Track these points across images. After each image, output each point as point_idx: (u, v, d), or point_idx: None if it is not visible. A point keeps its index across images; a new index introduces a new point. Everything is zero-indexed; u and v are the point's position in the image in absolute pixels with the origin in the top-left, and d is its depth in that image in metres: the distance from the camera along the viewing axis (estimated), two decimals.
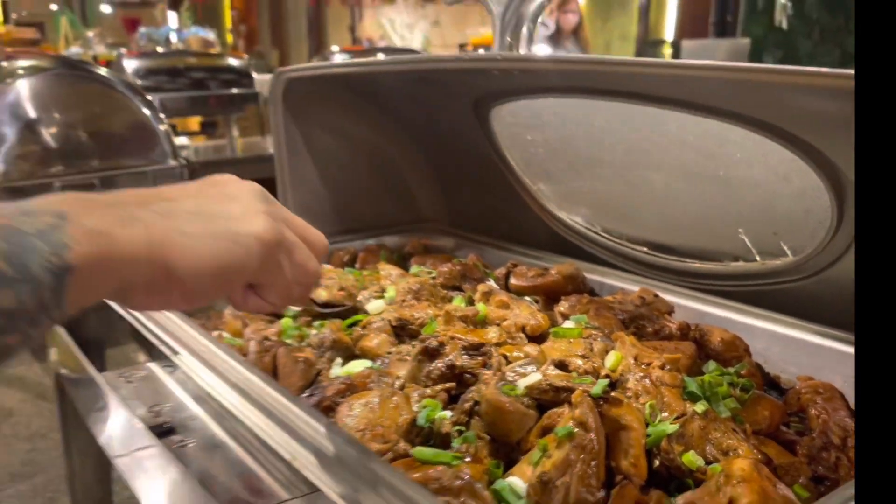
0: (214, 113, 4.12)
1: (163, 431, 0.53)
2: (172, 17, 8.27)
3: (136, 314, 0.68)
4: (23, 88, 1.39)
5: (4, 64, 1.42)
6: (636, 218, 0.77)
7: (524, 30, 0.60)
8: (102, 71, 1.57)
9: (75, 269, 0.35)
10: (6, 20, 9.07)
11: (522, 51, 0.61)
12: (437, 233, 0.95)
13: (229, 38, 10.34)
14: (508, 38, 0.61)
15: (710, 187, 0.67)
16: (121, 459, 0.55)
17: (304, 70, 0.82)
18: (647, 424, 0.47)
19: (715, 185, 0.67)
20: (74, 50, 6.97)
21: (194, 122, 4.28)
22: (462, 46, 8.92)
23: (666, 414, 0.47)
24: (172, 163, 1.55)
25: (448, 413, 0.51)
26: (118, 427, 0.54)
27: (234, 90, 4.00)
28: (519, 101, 0.70)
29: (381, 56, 4.61)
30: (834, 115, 0.47)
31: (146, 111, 1.57)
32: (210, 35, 7.14)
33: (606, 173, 0.76)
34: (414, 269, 0.77)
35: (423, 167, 0.96)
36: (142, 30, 7.03)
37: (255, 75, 4.10)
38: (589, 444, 0.44)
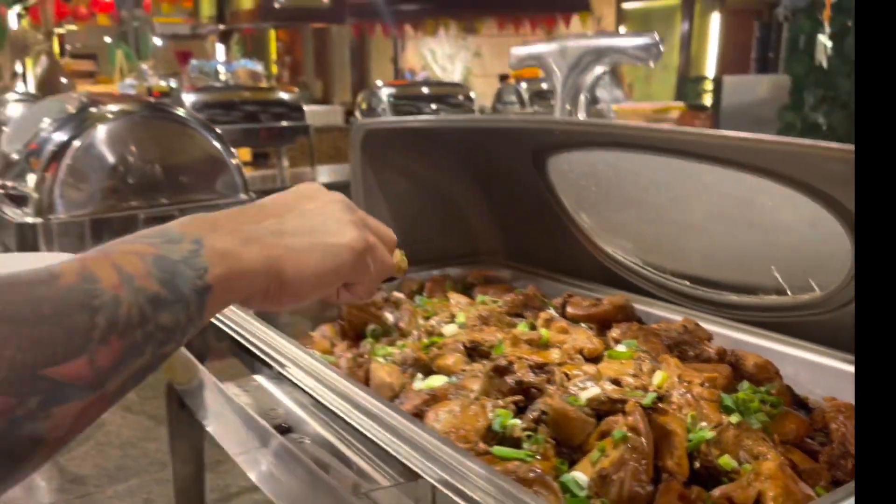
0: (266, 144, 4.33)
1: (283, 431, 0.64)
2: (221, 50, 8.59)
3: (245, 334, 0.80)
4: (112, 130, 1.54)
5: (94, 110, 1.58)
6: (679, 254, 0.86)
7: (581, 97, 0.71)
8: (181, 112, 1.72)
9: (213, 288, 0.43)
10: (62, 53, 9.48)
11: (580, 115, 0.72)
12: (496, 265, 1.06)
13: (274, 69, 10.65)
14: (568, 106, 0.72)
15: (746, 229, 0.77)
16: (244, 456, 0.66)
17: (381, 123, 0.94)
18: (689, 431, 0.56)
19: (749, 227, 0.76)
20: (129, 81, 7.30)
21: (246, 153, 4.49)
22: (503, 77, 9.10)
23: (705, 423, 0.57)
24: (243, 196, 1.69)
25: (518, 421, 0.61)
26: (244, 428, 0.65)
27: (285, 123, 4.20)
28: (573, 153, 0.81)
29: (425, 89, 4.77)
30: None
31: (219, 147, 1.72)
32: (258, 67, 7.42)
33: (651, 214, 0.86)
34: (480, 297, 0.88)
35: (483, 205, 1.07)
36: (193, 62, 7.30)
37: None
38: (640, 446, 0.54)
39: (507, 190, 1.02)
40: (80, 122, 1.52)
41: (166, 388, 0.86)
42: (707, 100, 6.33)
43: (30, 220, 1.44)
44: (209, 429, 0.73)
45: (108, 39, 10.81)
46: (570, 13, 10.12)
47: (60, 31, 7.88)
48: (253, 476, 0.64)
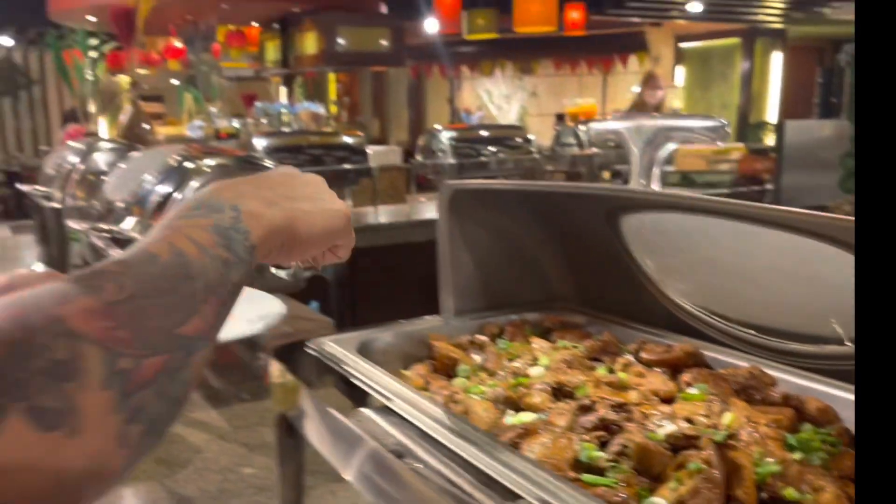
0: (330, 186, 4.51)
1: (398, 455, 0.74)
2: (284, 92, 8.95)
3: (349, 369, 0.91)
4: (210, 181, 1.71)
5: (191, 165, 1.75)
6: (744, 305, 0.95)
7: (654, 170, 0.82)
8: (267, 163, 1.88)
9: (257, 247, 0.52)
10: None
11: (654, 186, 0.82)
12: (569, 311, 1.16)
13: (333, 109, 11.02)
14: (643, 181, 0.82)
15: (807, 283, 0.85)
16: (358, 478, 0.77)
17: (467, 185, 1.06)
18: (756, 466, 0.65)
19: (810, 281, 0.85)
20: (197, 123, 7.66)
21: None
22: (559, 116, 9.23)
23: (771, 459, 0.65)
24: None
25: (602, 453, 0.70)
26: (360, 452, 0.76)
27: (348, 165, 4.39)
28: (645, 214, 0.91)
29: (484, 132, 4.92)
30: None
31: None
32: (320, 109, 7.71)
33: (718, 268, 0.95)
34: (560, 342, 0.98)
35: (558, 255, 1.17)
36: (258, 104, 7.60)
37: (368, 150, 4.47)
38: (713, 478, 0.62)
39: (580, 242, 1.12)
40: (181, 175, 1.69)
41: (277, 417, 0.98)
42: (768, 141, 6.33)
43: None
44: (324, 454, 0.84)
45: (174, 81, 11.35)
46: (628, 53, 10.26)
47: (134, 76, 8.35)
48: (370, 496, 0.75)
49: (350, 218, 0.63)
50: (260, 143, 4.14)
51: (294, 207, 0.57)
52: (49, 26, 10.18)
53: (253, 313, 1.27)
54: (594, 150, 4.79)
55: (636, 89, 6.86)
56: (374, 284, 3.54)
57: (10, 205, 10.01)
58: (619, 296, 1.11)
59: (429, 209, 4.74)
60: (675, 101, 9.51)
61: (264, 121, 7.11)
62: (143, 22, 3.56)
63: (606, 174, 5.03)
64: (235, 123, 7.40)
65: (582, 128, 4.86)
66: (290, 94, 8.57)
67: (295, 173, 0.63)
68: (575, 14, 7.65)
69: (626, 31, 10.12)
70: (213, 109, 7.86)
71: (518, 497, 0.62)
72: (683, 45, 10.63)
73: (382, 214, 4.51)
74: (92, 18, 7.34)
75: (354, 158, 4.38)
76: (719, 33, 10.03)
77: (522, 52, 10.27)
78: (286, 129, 6.19)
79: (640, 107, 5.43)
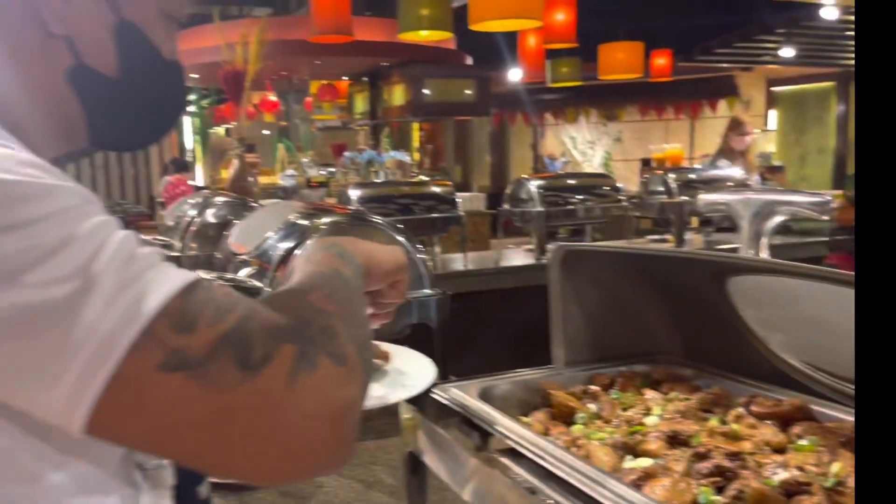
0: (421, 234, 4.68)
1: (530, 492, 0.84)
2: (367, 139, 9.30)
3: (476, 413, 1.02)
4: (325, 236, 1.88)
5: (307, 223, 1.92)
6: (849, 361, 1.01)
7: (763, 239, 0.90)
8: (377, 218, 2.04)
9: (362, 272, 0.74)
10: None
11: (763, 254, 0.91)
12: (676, 364, 1.24)
13: (416, 156, 11.34)
14: (751, 250, 0.91)
15: None
16: None
17: (577, 246, 1.17)
18: None
19: None
20: (289, 172, 8.06)
21: None
22: (645, 162, 9.23)
23: None
24: (428, 291, 1.96)
25: (719, 497, 0.79)
26: (495, 491, 0.86)
27: (436, 214, 4.55)
28: (751, 276, 0.99)
29: (571, 181, 5.01)
30: None
31: (407, 244, 2.01)
32: (406, 158, 7.98)
33: (824, 325, 1.02)
34: (672, 394, 1.06)
35: (664, 309, 1.26)
36: (346, 154, 7.94)
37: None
38: None
39: (686, 299, 1.21)
40: (301, 232, 1.86)
41: (406, 455, 1.10)
42: None
43: None
44: (455, 490, 0.95)
45: (266, 132, 11.96)
46: (717, 98, 10.20)
47: (229, 127, 8.88)
48: None
49: (408, 262, 0.84)
50: (354, 193, 4.36)
51: (368, 248, 0.78)
52: None
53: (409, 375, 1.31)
54: (684, 197, 4.80)
55: None
56: (465, 330, 3.66)
57: None
58: (725, 350, 1.18)
59: (517, 255, 4.85)
60: (769, 146, 9.36)
61: (353, 169, 7.41)
62: (250, 82, 3.86)
63: (694, 221, 5.02)
64: (325, 172, 7.75)
65: (671, 175, 4.90)
66: (378, 143, 8.91)
67: (357, 239, 0.82)
68: (661, 61, 7.71)
69: (715, 75, 10.08)
70: (304, 159, 8.27)
71: None
72: (776, 88, 10.49)
73: (470, 261, 4.65)
74: (195, 76, 7.92)
75: (443, 207, 4.54)
76: (813, 77, 9.86)
77: (607, 99, 10.36)
78: (376, 179, 6.45)
79: (727, 153, 5.42)
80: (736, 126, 5.30)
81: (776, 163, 5.35)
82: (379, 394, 1.13)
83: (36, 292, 0.47)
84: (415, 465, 1.10)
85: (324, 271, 0.67)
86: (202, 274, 2.12)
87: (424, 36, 5.70)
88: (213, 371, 0.49)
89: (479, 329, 4.00)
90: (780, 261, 0.79)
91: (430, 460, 1.04)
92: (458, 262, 4.60)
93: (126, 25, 0.66)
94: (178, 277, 0.52)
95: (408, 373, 1.22)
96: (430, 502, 1.44)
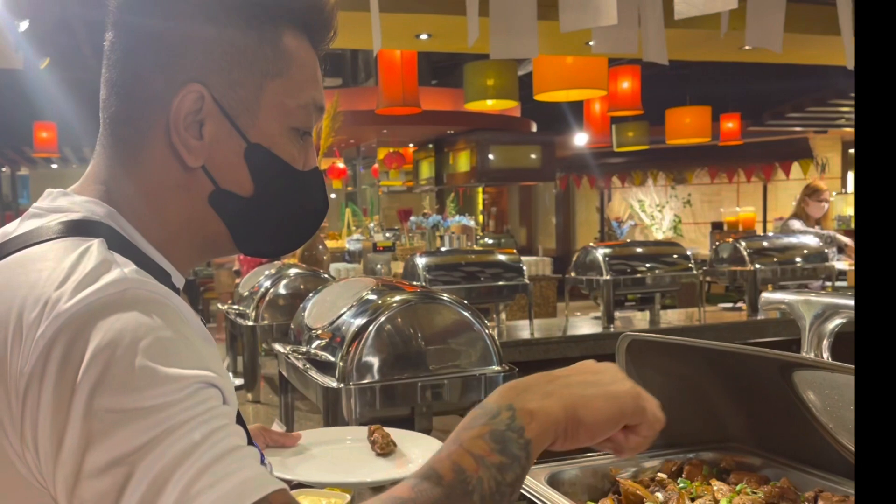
0: (486, 301, 4.76)
1: None
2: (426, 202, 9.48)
3: (543, 498, 1.07)
4: (397, 315, 1.97)
5: (378, 299, 2.03)
6: None
7: (825, 341, 0.94)
8: (444, 296, 2.13)
9: (532, 441, 0.60)
10: None
11: (825, 355, 0.95)
12: (744, 452, 1.26)
13: (480, 219, 11.48)
14: (814, 351, 0.95)
15: None
16: None
17: (642, 336, 1.23)
18: None
19: None
20: (356, 237, 8.30)
21: None
22: (716, 225, 9.13)
23: None
24: (497, 368, 2.03)
25: None
26: None
27: (502, 282, 4.62)
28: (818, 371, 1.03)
29: (639, 249, 5.03)
30: None
31: (475, 321, 2.09)
32: (470, 222, 8.13)
33: None
34: (739, 487, 1.10)
35: (732, 398, 1.30)
36: (412, 218, 8.13)
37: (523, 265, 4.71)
38: None
39: (754, 389, 1.24)
40: (374, 309, 1.97)
41: None
42: None
43: (334, 384, 1.87)
44: None
45: (332, 196, 12.32)
46: (790, 161, 10.07)
47: None
48: None
49: (641, 396, 0.67)
50: (420, 261, 4.48)
51: (574, 394, 0.63)
52: None
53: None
54: (757, 266, 4.75)
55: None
56: None
57: None
58: (795, 440, 1.20)
59: (583, 323, 4.86)
60: (847, 209, 9.16)
61: (418, 233, 7.58)
62: (322, 153, 4.07)
63: (769, 288, 4.95)
64: (390, 235, 7.96)
65: (743, 243, 4.87)
66: (443, 208, 9.11)
67: (586, 363, 0.69)
68: (730, 125, 7.71)
69: (788, 137, 9.98)
70: (370, 223, 8.51)
71: None
72: (854, 151, 10.29)
73: (536, 328, 4.68)
74: None
75: (509, 275, 4.61)
76: None
77: (675, 162, 10.35)
78: (440, 245, 6.59)
79: (801, 217, 5.36)
80: (813, 192, 5.24)
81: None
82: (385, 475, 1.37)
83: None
84: None
85: (430, 474, 0.57)
86: (279, 347, 2.23)
87: (490, 105, 5.88)
88: None
89: None
90: (842, 364, 0.83)
91: None
92: (525, 329, 4.64)
93: (254, 148, 0.71)
94: (253, 489, 0.52)
95: (408, 455, 1.46)
96: None
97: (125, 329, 0.55)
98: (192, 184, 0.71)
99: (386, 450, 1.51)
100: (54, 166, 13.71)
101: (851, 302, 0.96)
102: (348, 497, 1.72)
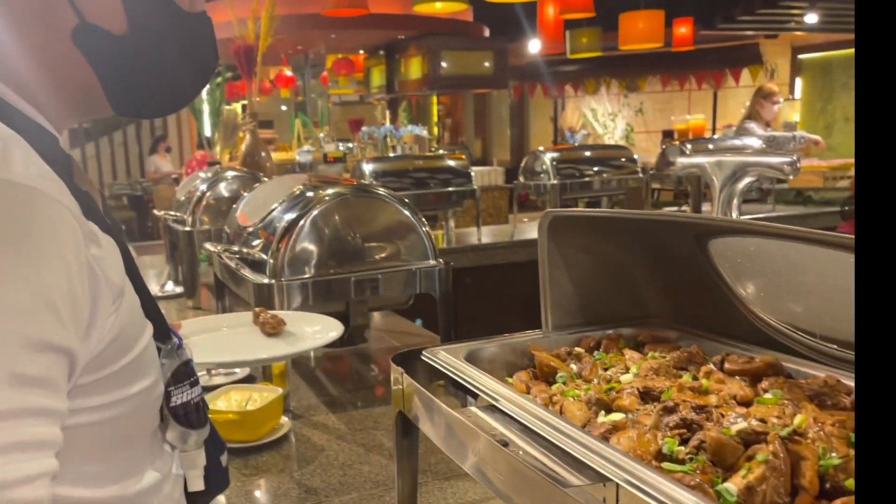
0: (435, 207, 4.73)
1: (502, 444, 0.89)
2: (388, 115, 9.31)
3: (460, 374, 1.07)
4: (328, 210, 1.92)
5: (311, 194, 1.97)
6: (826, 320, 1.04)
7: (734, 200, 0.93)
8: (381, 190, 2.09)
9: None
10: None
11: (734, 214, 0.94)
12: (662, 327, 1.27)
13: (435, 130, 11.33)
14: (727, 211, 0.94)
15: None
16: (469, 465, 0.92)
17: (565, 212, 1.20)
18: (820, 459, 0.75)
19: None
20: (306, 148, 8.12)
21: None
22: (666, 133, 9.15)
23: (834, 453, 0.76)
24: (432, 262, 2.01)
25: (682, 447, 0.82)
26: (471, 443, 0.91)
27: (452, 188, 4.58)
28: (730, 238, 1.02)
29: (587, 153, 5.01)
30: None
31: (412, 217, 2.05)
32: (423, 132, 8.01)
33: (802, 286, 1.05)
34: (650, 354, 1.10)
35: (652, 275, 1.29)
36: (364, 128, 7.98)
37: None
38: (779, 467, 0.73)
39: (672, 263, 1.24)
40: (304, 203, 1.91)
41: (396, 415, 1.15)
42: None
43: (266, 280, 1.83)
44: (439, 446, 1.00)
45: (283, 108, 11.99)
46: (740, 67, 10.05)
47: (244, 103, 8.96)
48: (479, 480, 0.90)
49: None
50: (367, 167, 4.41)
51: None
52: None
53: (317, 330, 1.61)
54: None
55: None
56: (477, 302, 3.71)
57: (133, 226, 10.92)
58: (710, 312, 1.21)
59: (531, 229, 4.87)
60: (794, 115, 9.24)
61: (370, 144, 7.45)
62: (262, 56, 3.90)
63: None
64: (342, 147, 7.81)
65: (689, 146, 4.88)
66: (395, 118, 8.94)
67: None
68: (683, 30, 7.61)
69: (739, 44, 9.93)
70: (321, 134, 8.32)
71: (607, 479, 0.75)
72: (802, 56, 10.31)
73: (485, 234, 4.69)
74: None
75: (458, 181, 4.57)
76: (840, 44, 9.67)
77: (628, 69, 10.26)
78: (392, 154, 6.49)
79: (756, 120, 5.36)
80: (767, 94, 5.23)
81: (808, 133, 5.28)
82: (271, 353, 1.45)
83: None
84: (405, 426, 1.15)
85: None
86: (210, 247, 2.17)
87: (440, 7, 5.69)
88: None
89: (490, 301, 4.05)
90: (757, 222, 0.81)
91: (420, 421, 1.08)
92: (473, 236, 4.65)
93: None
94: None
95: (298, 334, 1.53)
96: (425, 463, 1.50)
97: None
98: (50, 15, 0.60)
99: (277, 329, 1.52)
100: None
101: (765, 160, 0.94)
102: (280, 391, 1.72)
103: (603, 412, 0.94)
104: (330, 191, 1.98)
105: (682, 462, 0.80)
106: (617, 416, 0.92)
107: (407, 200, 2.14)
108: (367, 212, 2.02)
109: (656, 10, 7.06)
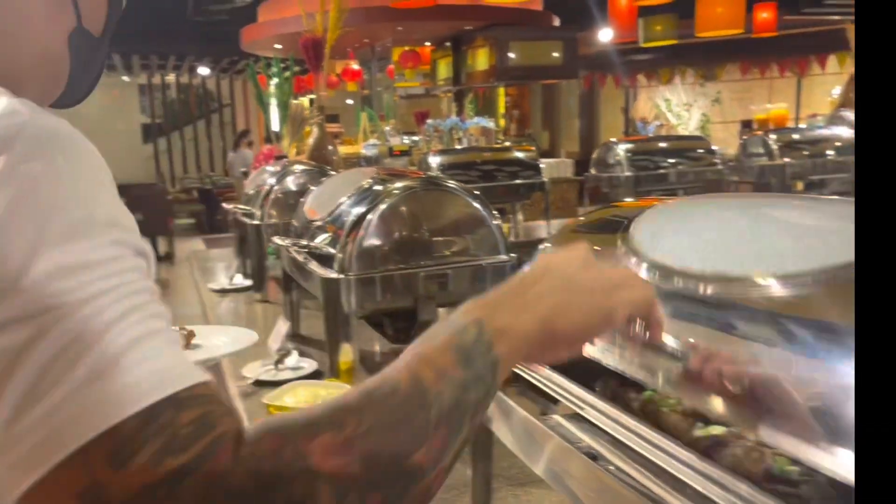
0: (503, 200, 4.67)
1: (591, 457, 0.83)
2: (454, 108, 9.27)
3: (541, 379, 1.01)
4: (398, 203, 1.88)
5: (378, 187, 1.94)
6: None
7: None
8: (451, 183, 2.04)
9: (500, 359, 0.55)
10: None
11: None
12: None
13: (502, 122, 11.24)
14: None
15: None
16: (554, 475, 0.86)
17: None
18: None
19: None
20: (372, 142, 8.15)
21: None
22: (745, 124, 8.84)
23: None
24: (504, 257, 1.95)
25: (795, 467, 0.75)
26: (556, 455, 0.85)
27: (520, 180, 4.51)
28: None
29: (663, 144, 4.85)
30: None
31: (483, 210, 2.00)
32: (490, 124, 7.93)
33: None
34: None
35: None
36: (429, 121, 7.96)
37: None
38: None
39: None
40: (373, 197, 1.88)
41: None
42: None
43: (334, 275, 1.81)
44: (517, 454, 0.94)
45: (349, 101, 12.10)
46: (826, 53, 9.61)
47: (312, 97, 9.06)
48: (564, 494, 0.84)
49: (626, 289, 0.63)
50: (434, 160, 4.38)
51: (548, 304, 0.58)
52: (240, 56, 11.31)
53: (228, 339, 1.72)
54: (786, 160, 4.58)
55: (836, 92, 6.44)
56: None
57: (202, 220, 11.21)
58: None
59: None
60: None
61: (436, 137, 7.43)
62: (329, 49, 3.92)
63: (799, 185, 4.79)
64: (407, 140, 7.81)
65: (773, 136, 4.68)
66: (461, 110, 8.89)
67: (556, 261, 0.62)
68: (765, 14, 7.33)
69: (825, 28, 9.49)
70: (386, 128, 8.34)
71: (712, 502, 0.69)
72: None
73: (554, 229, 4.60)
74: (278, 46, 8.09)
75: (526, 173, 4.50)
76: None
77: (705, 58, 9.94)
78: (458, 146, 6.45)
79: (850, 108, 5.10)
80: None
81: None
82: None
83: None
84: (482, 430, 1.10)
85: (384, 383, 0.50)
86: (278, 241, 2.17)
87: None
88: None
89: None
90: None
91: (496, 426, 1.03)
92: (542, 230, 4.57)
93: None
94: (157, 385, 0.43)
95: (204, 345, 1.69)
96: (498, 468, 1.44)
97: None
98: (57, 17, 0.62)
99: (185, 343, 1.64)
100: None
101: None
102: (348, 388, 1.69)
103: (702, 424, 0.87)
104: (399, 184, 1.94)
105: (795, 485, 0.72)
106: (718, 430, 0.84)
107: (477, 193, 2.08)
108: (437, 205, 1.98)
109: None
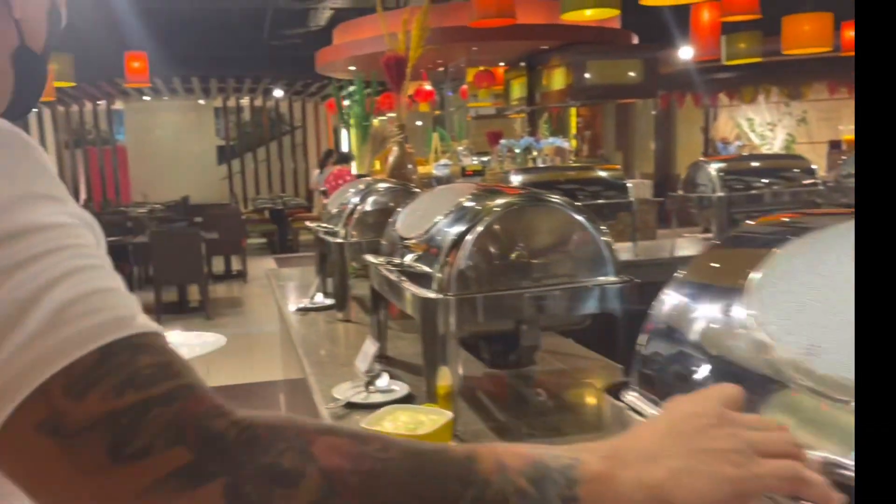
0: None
1: None
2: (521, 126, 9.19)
3: None
4: (499, 220, 1.80)
5: (478, 204, 1.86)
6: None
7: None
8: (554, 197, 1.94)
9: (581, 501, 0.48)
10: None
11: None
12: None
13: (574, 143, 11.11)
14: None
15: None
16: None
17: None
18: None
19: None
20: (443, 162, 8.14)
21: None
22: (833, 144, 8.50)
23: None
24: (613, 278, 1.84)
25: None
26: None
27: (602, 200, 4.38)
28: None
29: (755, 163, 4.66)
30: None
31: (590, 227, 1.89)
32: (565, 144, 7.83)
33: None
34: None
35: None
36: (502, 141, 7.92)
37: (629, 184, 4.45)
38: None
39: None
40: (474, 214, 1.80)
41: None
42: None
43: (432, 295, 1.73)
44: None
45: (418, 123, 12.17)
46: None
47: (384, 117, 9.13)
48: None
49: (747, 462, 0.50)
50: (515, 178, 4.31)
51: (671, 468, 0.49)
52: (314, 79, 11.53)
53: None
54: None
55: None
56: (633, 322, 3.49)
57: (274, 240, 11.38)
58: None
59: (692, 244, 4.59)
60: None
61: (509, 157, 7.36)
62: (412, 68, 3.91)
63: None
64: (480, 160, 7.77)
65: None
66: (535, 130, 8.82)
67: (683, 412, 0.54)
68: (853, 33, 7.04)
69: None
70: (459, 148, 8.33)
71: None
72: None
73: (642, 251, 4.45)
74: (352, 68, 8.19)
75: (609, 193, 4.38)
76: None
77: (790, 76, 9.62)
78: (530, 166, 6.38)
79: None
80: None
81: None
82: None
83: None
84: None
85: (440, 447, 0.49)
86: (371, 259, 2.11)
87: (589, 16, 5.53)
88: (79, 447, 0.43)
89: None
90: None
91: None
92: (628, 251, 4.42)
93: (55, 7, 0.71)
94: (113, 328, 0.45)
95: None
96: None
97: None
98: (1, 37, 0.66)
99: None
100: (146, 98, 14.07)
101: None
102: (449, 414, 1.61)
103: None
104: (500, 200, 1.86)
105: None
106: None
107: (581, 207, 1.98)
108: (540, 221, 1.88)
109: (824, 13, 6.59)
